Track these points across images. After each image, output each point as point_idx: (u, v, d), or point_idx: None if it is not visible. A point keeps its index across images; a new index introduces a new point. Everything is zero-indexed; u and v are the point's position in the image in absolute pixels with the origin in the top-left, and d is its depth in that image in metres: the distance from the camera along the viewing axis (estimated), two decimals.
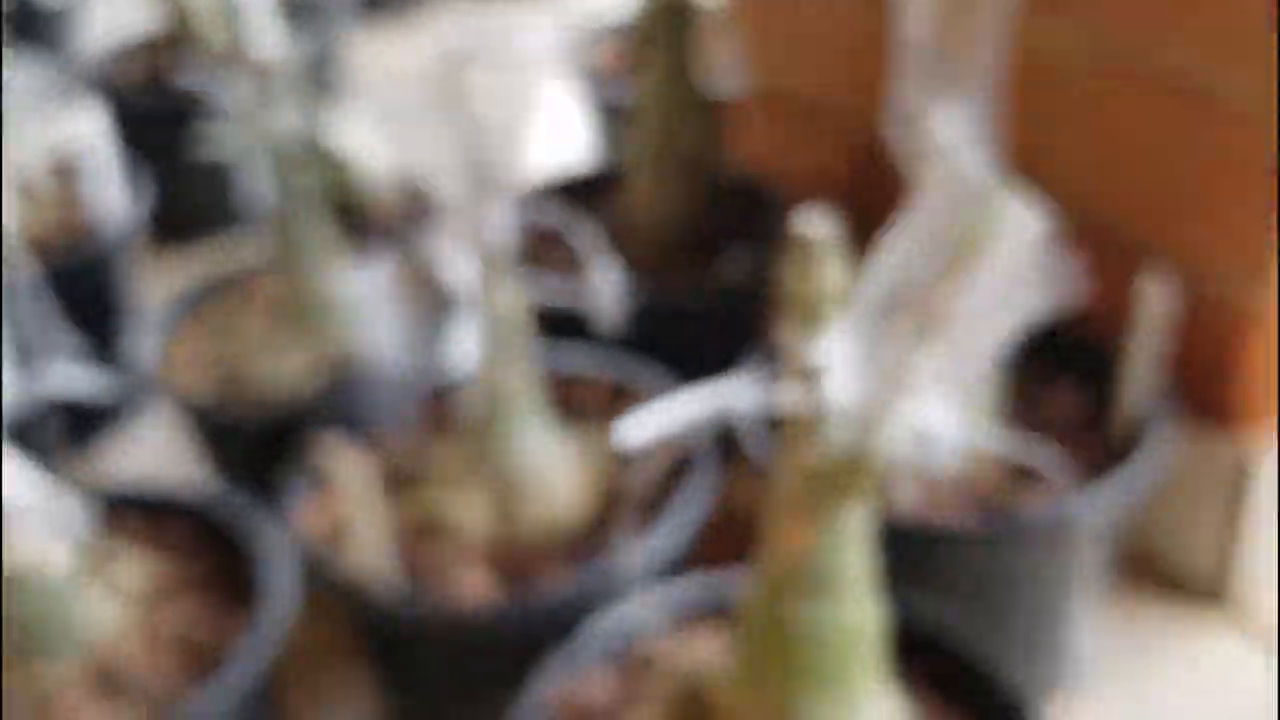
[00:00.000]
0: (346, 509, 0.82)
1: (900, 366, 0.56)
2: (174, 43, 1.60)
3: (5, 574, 0.75)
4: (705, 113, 1.15)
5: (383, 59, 2.07)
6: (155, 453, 1.24)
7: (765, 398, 0.61)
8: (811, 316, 0.58)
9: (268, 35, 1.41)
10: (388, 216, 1.32)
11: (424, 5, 2.25)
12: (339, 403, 1.00)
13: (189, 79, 1.53)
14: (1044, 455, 0.80)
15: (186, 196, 1.45)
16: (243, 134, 1.14)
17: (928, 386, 0.56)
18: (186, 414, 1.07)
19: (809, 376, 0.58)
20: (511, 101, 0.78)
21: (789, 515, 0.61)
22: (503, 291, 0.83)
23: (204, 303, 1.17)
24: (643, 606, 0.77)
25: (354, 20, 1.93)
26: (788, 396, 0.59)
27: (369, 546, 0.81)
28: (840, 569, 0.61)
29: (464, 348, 1.08)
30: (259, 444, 1.03)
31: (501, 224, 0.81)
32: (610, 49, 1.59)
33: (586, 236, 0.87)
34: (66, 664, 0.79)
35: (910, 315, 0.55)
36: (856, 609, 0.62)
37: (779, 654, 0.62)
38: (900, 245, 0.56)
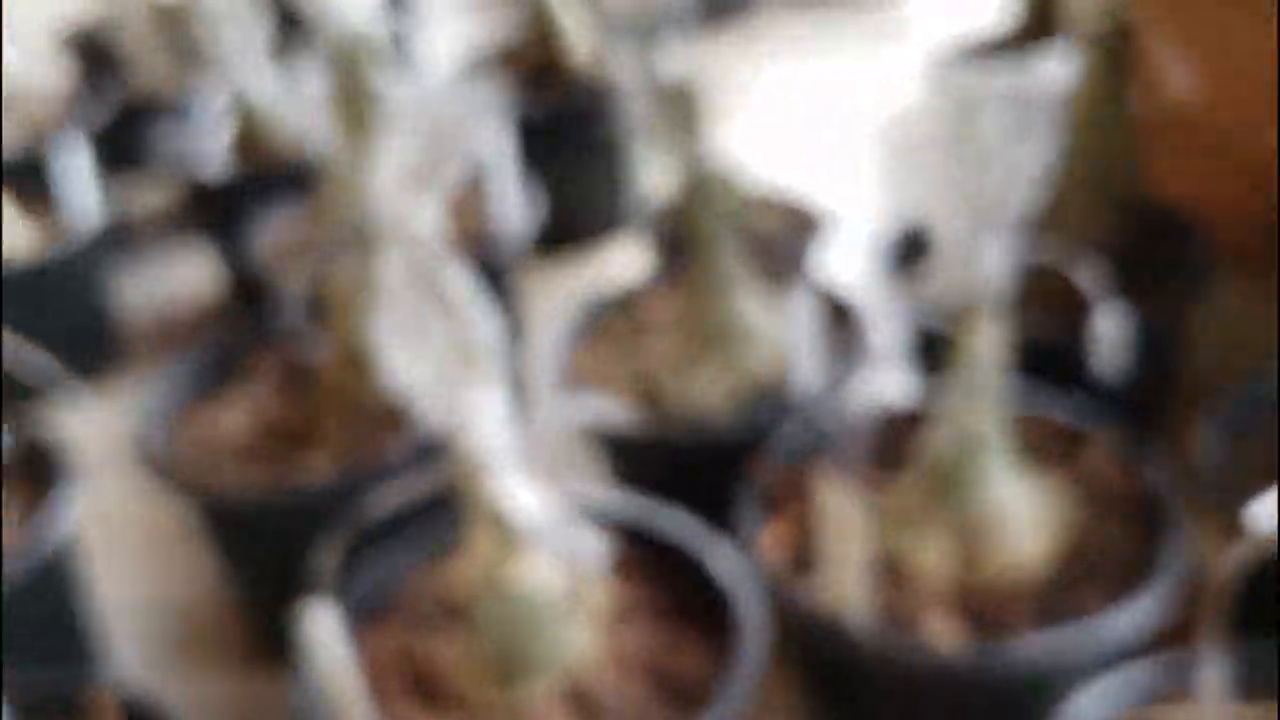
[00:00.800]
0: (827, 543, 0.81)
1: None
2: (531, 56, 1.63)
3: (509, 598, 0.76)
4: (1132, 139, 1.10)
5: (730, 71, 2.08)
6: (560, 467, 1.25)
7: None
8: None
9: (622, 53, 1.42)
10: (769, 237, 1.31)
11: (757, 14, 2.25)
12: (762, 428, 0.99)
13: (555, 92, 1.56)
14: None
15: (560, 208, 1.47)
16: (653, 155, 1.15)
17: None
18: (599, 430, 1.07)
19: None
20: (1022, 141, 0.76)
21: None
22: (984, 330, 0.81)
23: (600, 317, 1.18)
24: (1137, 676, 0.74)
25: (694, 31, 1.94)
26: None
27: (845, 583, 0.80)
28: None
29: (880, 378, 1.07)
30: (680, 465, 1.04)
31: (998, 262, 0.79)
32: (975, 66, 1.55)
33: (1092, 274, 0.84)
34: (544, 686, 0.80)
35: None
36: None
37: None
38: None
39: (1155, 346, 1.07)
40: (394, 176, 0.98)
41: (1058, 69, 0.76)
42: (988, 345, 0.81)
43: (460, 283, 0.69)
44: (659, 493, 1.05)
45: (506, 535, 0.74)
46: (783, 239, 1.33)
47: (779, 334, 1.08)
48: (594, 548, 0.75)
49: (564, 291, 1.51)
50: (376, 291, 1.02)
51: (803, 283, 1.11)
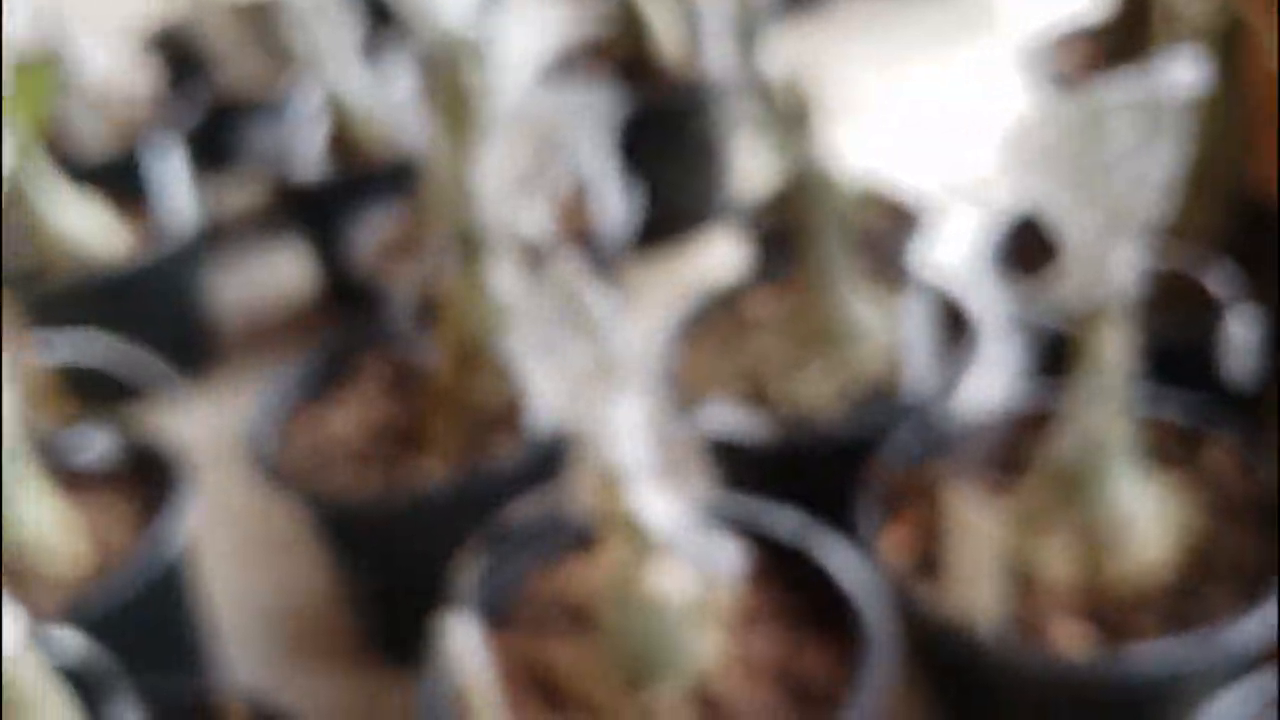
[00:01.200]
0: (955, 549, 0.82)
1: None
2: (619, 51, 1.64)
3: (642, 604, 0.77)
4: (1244, 131, 1.10)
5: (818, 64, 2.08)
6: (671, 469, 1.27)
7: None
8: None
9: (719, 48, 1.42)
10: (867, 235, 1.32)
11: (840, 4, 2.25)
12: (876, 430, 1.00)
13: (645, 87, 1.57)
14: None
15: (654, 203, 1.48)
16: (756, 150, 1.15)
17: None
18: (711, 430, 1.09)
19: None
20: (1153, 146, 0.76)
21: None
22: (1112, 333, 0.82)
23: (703, 316, 1.20)
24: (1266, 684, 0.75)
25: (779, 22, 1.95)
26: None
27: (974, 590, 0.81)
28: None
29: (994, 379, 1.07)
30: (793, 467, 1.05)
31: (1125, 268, 0.79)
32: (1072, 54, 1.54)
33: (1224, 278, 0.85)
34: (673, 690, 0.81)
35: None
36: None
37: None
38: None
39: (1272, 346, 1.07)
40: (500, 180, 1.00)
41: (1185, 74, 0.76)
42: (1115, 348, 0.82)
43: (597, 298, 0.70)
44: (770, 495, 1.06)
45: (640, 543, 0.76)
46: (889, 235, 1.33)
47: (889, 332, 1.09)
48: (726, 554, 0.76)
49: (662, 287, 1.53)
50: (488, 297, 1.04)
51: (914, 280, 1.12)
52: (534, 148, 1.02)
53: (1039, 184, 0.78)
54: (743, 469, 1.10)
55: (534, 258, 1.07)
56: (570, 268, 0.70)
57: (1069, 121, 0.76)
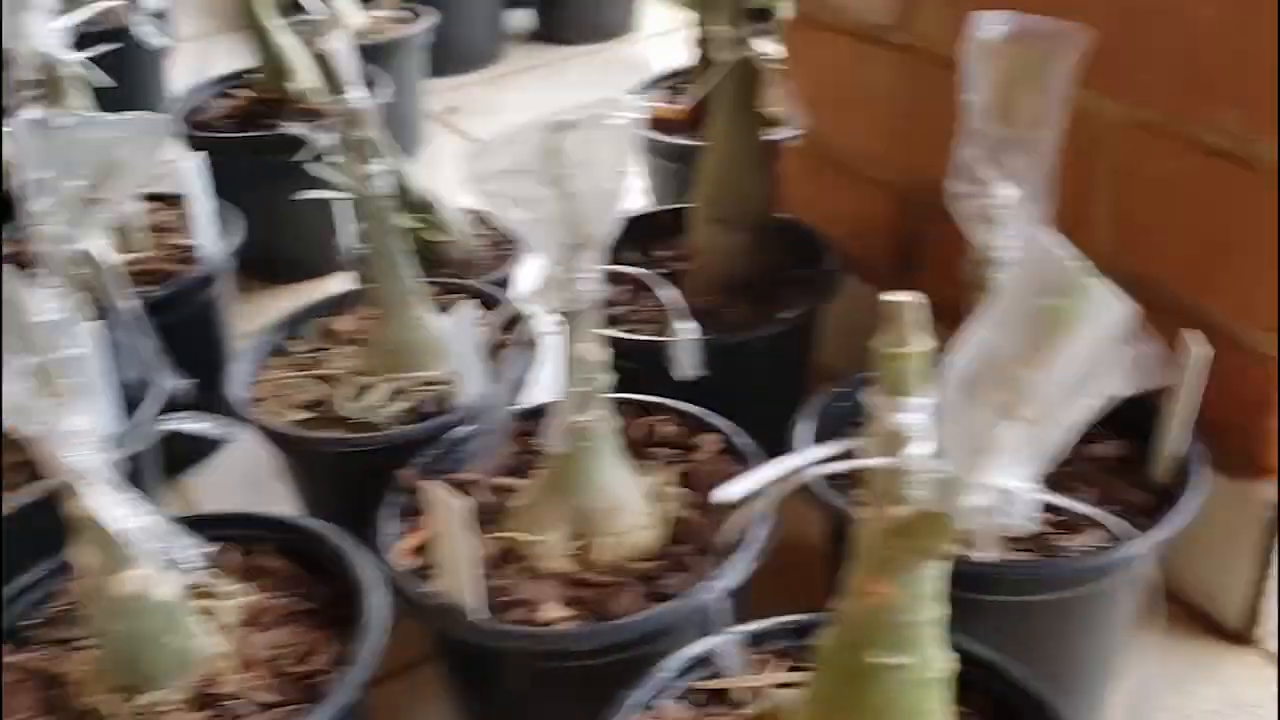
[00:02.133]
0: (438, 542, 0.82)
1: (984, 436, 0.56)
2: (264, 87, 1.62)
3: (119, 608, 0.75)
4: (763, 160, 1.15)
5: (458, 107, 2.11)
6: (244, 484, 1.24)
7: (849, 456, 0.61)
8: (899, 382, 0.58)
9: (353, 84, 1.41)
10: (469, 259, 1.33)
11: (498, 55, 2.30)
12: (427, 439, 1.00)
13: (278, 123, 1.54)
14: (1092, 503, 0.80)
15: (277, 239, 1.46)
16: (336, 178, 1.15)
17: (1008, 454, 0.56)
18: (275, 445, 1.07)
19: (895, 439, 0.58)
20: (606, 167, 0.78)
21: (869, 569, 0.61)
22: (585, 338, 0.83)
23: (290, 337, 1.18)
24: (716, 641, 0.77)
25: (426, 69, 1.96)
26: (873, 456, 0.59)
27: (457, 577, 0.81)
28: (915, 620, 0.61)
29: (544, 387, 1.09)
30: (347, 476, 1.04)
31: (589, 277, 0.81)
32: (661, 97, 1.60)
33: (667, 288, 0.88)
34: (169, 691, 0.79)
35: (995, 389, 0.55)
36: (928, 657, 0.62)
37: (855, 699, 0.62)
38: (988, 320, 0.56)
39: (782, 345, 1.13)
40: (57, 203, 0.96)
41: (635, 101, 0.79)
42: (589, 351, 0.84)
43: (45, 304, 0.68)
44: (338, 501, 1.04)
45: (108, 548, 0.73)
46: (484, 260, 1.35)
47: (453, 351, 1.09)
48: (190, 553, 0.75)
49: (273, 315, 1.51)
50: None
51: (471, 297, 1.13)
52: (99, 178, 0.98)
53: (508, 202, 0.79)
54: (309, 481, 1.09)
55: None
56: (14, 280, 0.67)
57: (528, 143, 0.78)
